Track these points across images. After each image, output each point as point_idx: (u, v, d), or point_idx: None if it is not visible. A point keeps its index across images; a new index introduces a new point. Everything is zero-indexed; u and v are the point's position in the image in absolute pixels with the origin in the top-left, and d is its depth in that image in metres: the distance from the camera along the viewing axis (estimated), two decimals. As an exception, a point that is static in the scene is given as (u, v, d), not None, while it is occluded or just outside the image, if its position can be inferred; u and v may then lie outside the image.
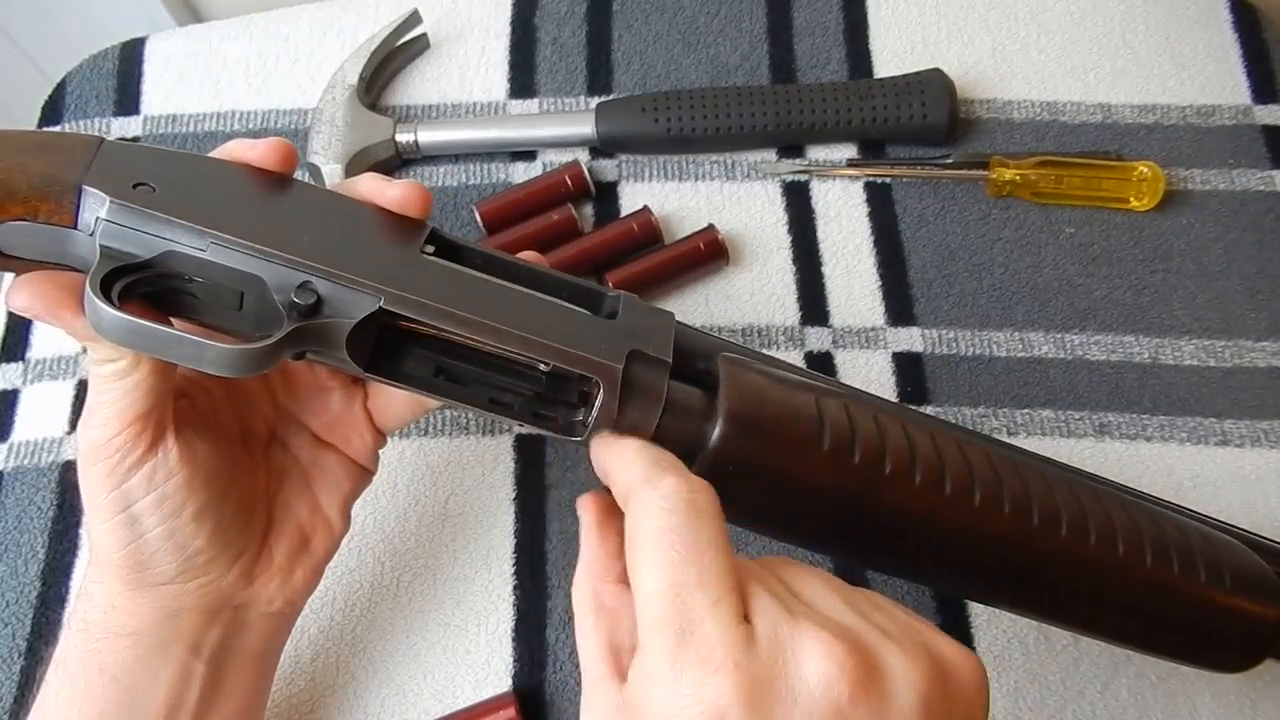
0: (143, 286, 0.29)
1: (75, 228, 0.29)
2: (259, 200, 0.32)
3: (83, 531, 0.50)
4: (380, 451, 0.40)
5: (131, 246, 0.29)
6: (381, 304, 0.30)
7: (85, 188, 0.29)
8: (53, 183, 0.29)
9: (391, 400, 0.38)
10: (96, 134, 0.59)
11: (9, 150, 0.29)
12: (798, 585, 0.29)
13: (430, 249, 0.33)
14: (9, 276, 0.57)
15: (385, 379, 0.31)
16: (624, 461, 0.30)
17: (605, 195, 0.58)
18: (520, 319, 0.31)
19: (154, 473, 0.32)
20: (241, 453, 0.36)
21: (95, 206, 0.29)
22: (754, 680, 0.25)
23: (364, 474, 0.39)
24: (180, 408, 0.34)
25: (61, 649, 0.35)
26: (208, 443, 0.34)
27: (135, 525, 0.33)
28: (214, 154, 0.33)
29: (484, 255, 0.34)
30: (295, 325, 0.29)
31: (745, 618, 0.26)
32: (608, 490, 0.31)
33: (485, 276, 0.33)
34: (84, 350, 0.54)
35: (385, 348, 0.32)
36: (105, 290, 0.28)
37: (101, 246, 0.29)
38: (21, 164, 0.29)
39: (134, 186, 0.29)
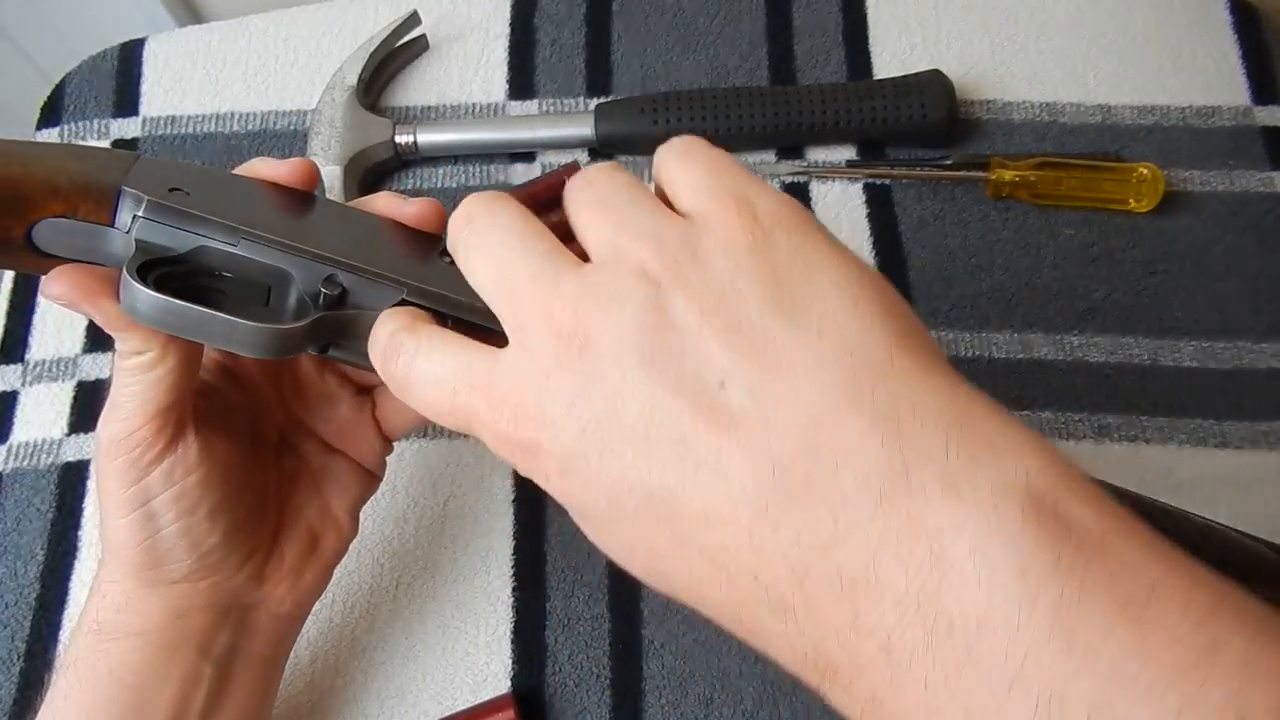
0: (174, 280, 0.31)
1: (112, 226, 0.31)
2: (285, 208, 0.34)
3: (82, 534, 0.50)
4: (382, 454, 0.40)
5: (166, 241, 0.31)
6: (405, 296, 0.31)
7: (124, 188, 0.31)
8: (93, 182, 0.31)
9: (400, 408, 0.38)
10: (98, 136, 0.60)
11: (52, 155, 0.31)
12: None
13: (448, 259, 0.34)
14: (7, 279, 0.57)
15: None
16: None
17: (604, 196, 0.57)
18: None
19: (173, 468, 0.33)
20: (254, 454, 0.37)
21: (132, 206, 0.31)
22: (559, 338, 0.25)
23: (372, 479, 0.40)
24: (198, 407, 0.34)
25: (72, 650, 0.35)
26: (224, 442, 0.35)
27: (152, 521, 0.33)
28: (237, 170, 0.35)
29: None
30: (321, 314, 0.30)
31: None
32: None
33: None
34: (84, 350, 0.54)
35: None
36: (140, 279, 0.30)
37: (137, 241, 0.31)
38: (64, 166, 0.31)
39: (169, 190, 0.31)
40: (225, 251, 0.31)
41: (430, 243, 0.34)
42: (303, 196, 0.35)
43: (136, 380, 0.32)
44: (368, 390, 0.39)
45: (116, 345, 0.32)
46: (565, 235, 0.29)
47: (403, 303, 0.31)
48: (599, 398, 0.24)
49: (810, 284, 0.24)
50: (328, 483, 0.39)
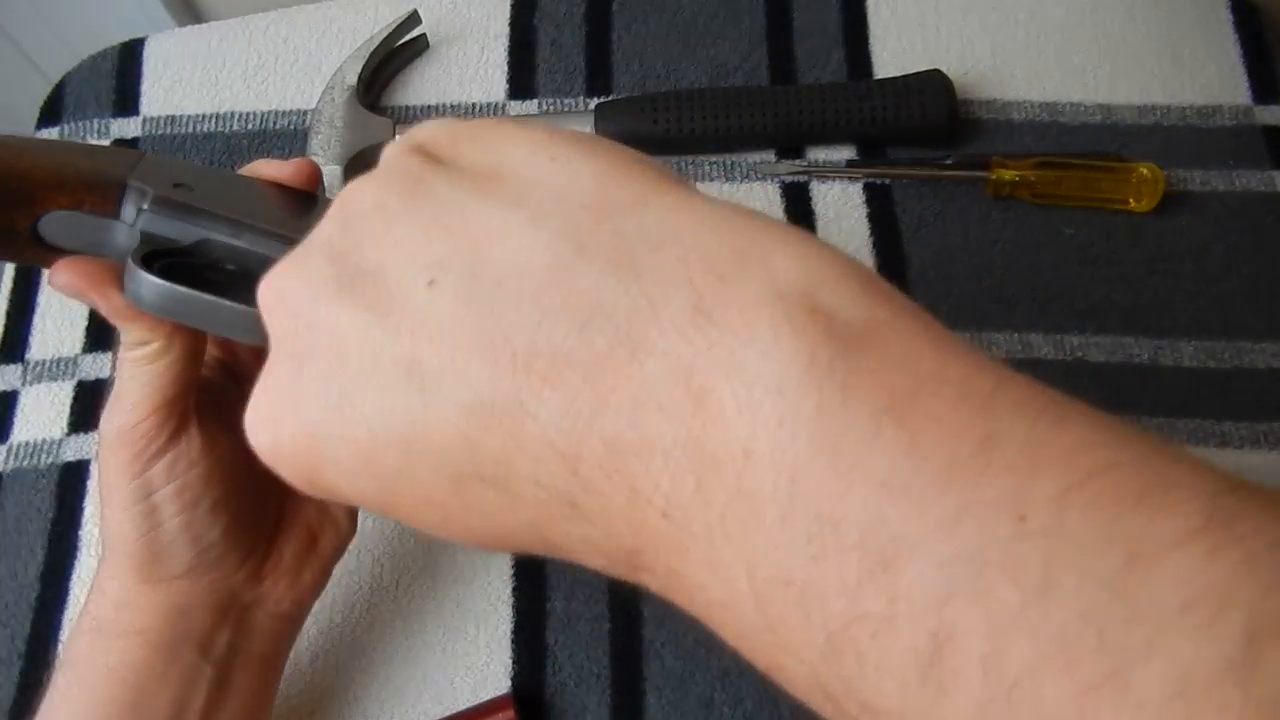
0: (177, 271, 0.31)
1: (118, 219, 0.32)
2: (287, 206, 0.34)
3: (82, 534, 0.50)
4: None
5: (170, 233, 0.31)
6: None
7: (130, 183, 0.32)
8: (100, 176, 0.32)
9: None
10: (98, 136, 0.60)
11: (60, 150, 0.32)
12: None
13: None
14: (7, 278, 0.57)
15: None
16: None
17: (604, 196, 0.57)
18: None
19: (176, 462, 0.33)
20: (254, 452, 0.37)
21: (137, 200, 0.32)
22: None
23: None
24: (201, 403, 0.35)
25: (71, 648, 0.35)
26: (226, 438, 0.35)
27: (154, 514, 0.33)
28: (241, 171, 0.36)
29: None
30: None
31: None
32: None
33: None
34: (85, 350, 0.54)
35: None
36: (145, 267, 0.30)
37: (142, 233, 0.31)
38: (71, 161, 0.32)
39: (174, 185, 0.32)
40: (228, 244, 0.31)
41: None
42: (305, 195, 0.35)
43: (141, 371, 0.32)
44: None
45: (121, 337, 0.32)
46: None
47: None
48: (316, 353, 0.22)
49: (501, 163, 0.22)
50: None
